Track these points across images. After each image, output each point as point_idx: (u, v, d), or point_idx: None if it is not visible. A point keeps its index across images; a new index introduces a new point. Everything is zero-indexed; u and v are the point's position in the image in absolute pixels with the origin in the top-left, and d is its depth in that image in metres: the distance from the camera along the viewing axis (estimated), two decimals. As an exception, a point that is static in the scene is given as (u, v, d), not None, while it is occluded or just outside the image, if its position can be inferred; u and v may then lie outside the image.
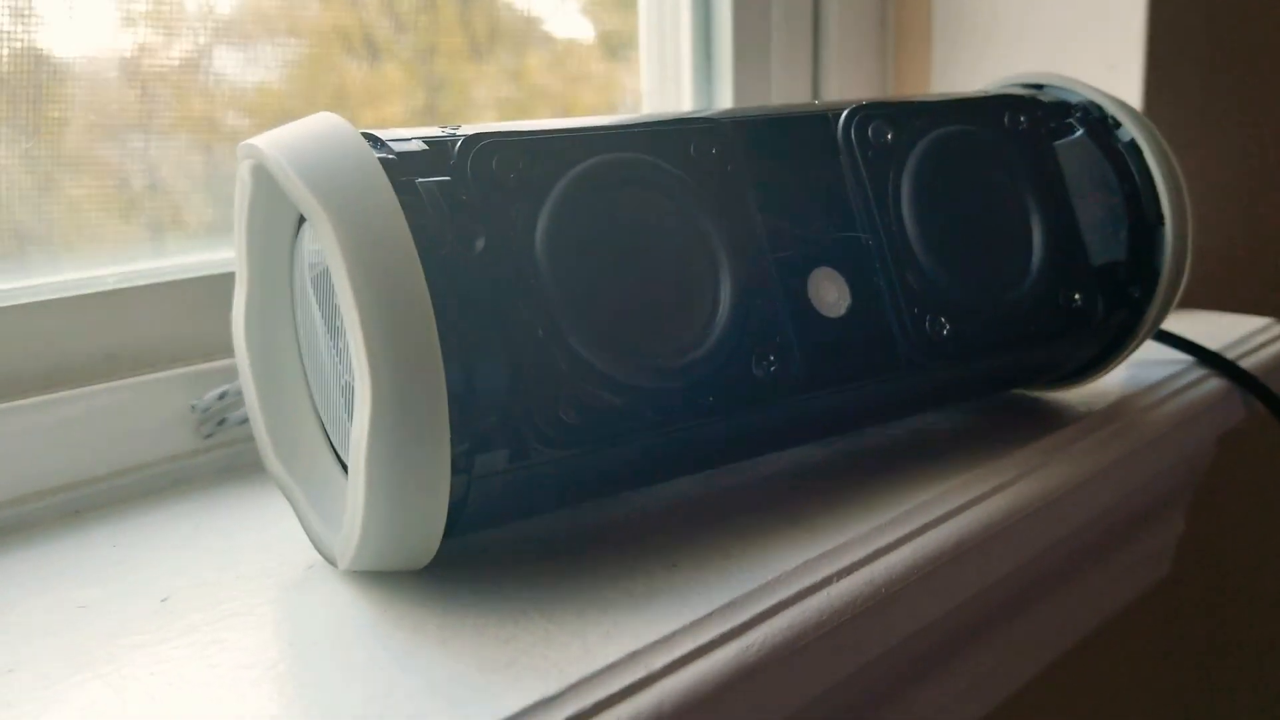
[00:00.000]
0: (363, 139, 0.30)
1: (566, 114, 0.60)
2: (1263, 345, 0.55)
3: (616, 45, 0.63)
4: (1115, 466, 0.44)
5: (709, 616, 0.31)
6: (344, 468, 0.34)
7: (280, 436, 0.35)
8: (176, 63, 0.43)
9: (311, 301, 0.33)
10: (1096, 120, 0.44)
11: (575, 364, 0.31)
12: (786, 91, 0.65)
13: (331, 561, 0.33)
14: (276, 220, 0.34)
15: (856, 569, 0.33)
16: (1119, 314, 0.44)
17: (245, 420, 0.44)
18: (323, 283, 0.32)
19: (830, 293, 0.37)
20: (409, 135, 0.32)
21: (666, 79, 0.62)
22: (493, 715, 0.26)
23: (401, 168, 0.30)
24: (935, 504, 0.37)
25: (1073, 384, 0.47)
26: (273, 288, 0.35)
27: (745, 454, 0.38)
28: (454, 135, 0.32)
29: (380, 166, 0.29)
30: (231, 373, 0.47)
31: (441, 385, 0.28)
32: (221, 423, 0.45)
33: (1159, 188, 0.43)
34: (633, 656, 0.29)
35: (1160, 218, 0.43)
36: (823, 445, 0.42)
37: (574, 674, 0.28)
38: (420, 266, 0.28)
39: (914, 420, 0.45)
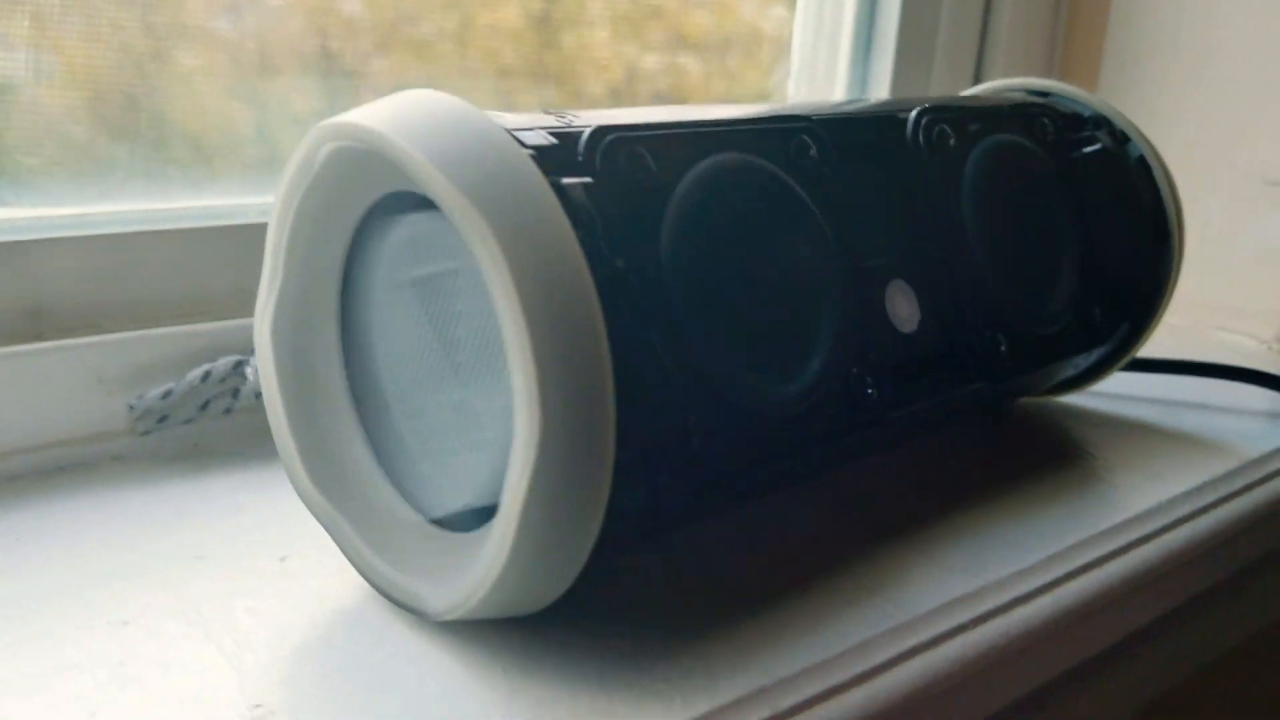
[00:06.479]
0: (504, 129, 0.26)
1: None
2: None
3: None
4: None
5: (842, 656, 0.29)
6: (405, 497, 0.30)
7: (316, 459, 0.30)
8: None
9: (404, 307, 0.29)
10: (1109, 134, 0.45)
11: (705, 390, 0.28)
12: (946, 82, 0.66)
13: (403, 605, 0.29)
14: (338, 212, 0.29)
15: (994, 616, 0.31)
16: (1123, 327, 0.44)
17: (189, 420, 0.39)
18: (435, 288, 0.28)
19: (903, 306, 0.36)
20: (527, 124, 0.27)
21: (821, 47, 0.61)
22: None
23: (541, 164, 0.26)
24: (1084, 549, 0.36)
25: (1064, 391, 0.48)
26: (314, 286, 0.30)
27: (833, 468, 0.37)
28: (571, 125, 0.28)
29: (534, 165, 0.25)
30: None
31: (612, 421, 0.24)
32: (163, 420, 0.39)
33: (1166, 205, 0.44)
34: (761, 692, 0.27)
35: (1167, 234, 0.44)
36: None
37: (701, 706, 0.26)
38: (595, 291, 0.24)
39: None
